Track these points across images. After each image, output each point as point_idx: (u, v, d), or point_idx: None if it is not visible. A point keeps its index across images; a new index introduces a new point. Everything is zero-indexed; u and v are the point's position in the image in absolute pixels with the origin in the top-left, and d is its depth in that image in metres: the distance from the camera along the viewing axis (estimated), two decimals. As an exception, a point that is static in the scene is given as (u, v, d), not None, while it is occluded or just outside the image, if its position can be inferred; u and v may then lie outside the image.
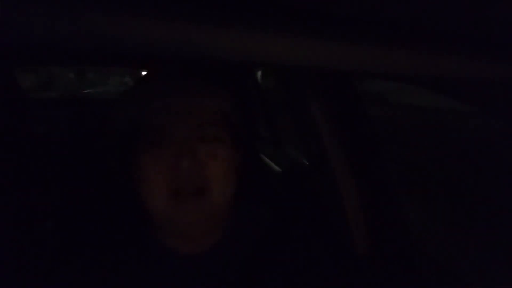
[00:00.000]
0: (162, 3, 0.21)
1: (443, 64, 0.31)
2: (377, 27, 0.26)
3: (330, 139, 0.78)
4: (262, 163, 1.15)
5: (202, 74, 0.54)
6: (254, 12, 0.24)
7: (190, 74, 0.52)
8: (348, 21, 0.25)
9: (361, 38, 0.27)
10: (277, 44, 0.25)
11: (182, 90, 0.49)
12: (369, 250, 0.77)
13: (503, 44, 0.30)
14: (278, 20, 0.24)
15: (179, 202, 0.46)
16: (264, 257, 0.55)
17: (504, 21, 0.26)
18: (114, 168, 0.56)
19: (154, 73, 0.56)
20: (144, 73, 0.57)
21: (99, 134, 0.55)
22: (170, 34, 0.23)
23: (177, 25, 0.22)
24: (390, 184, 0.81)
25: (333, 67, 0.30)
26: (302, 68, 0.73)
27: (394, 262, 0.75)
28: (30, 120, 1.49)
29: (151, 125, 0.48)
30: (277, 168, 1.11)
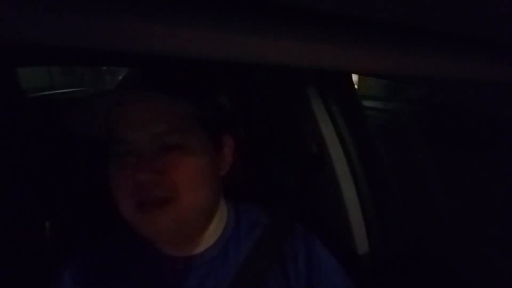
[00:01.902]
0: (161, 3, 0.21)
1: (443, 64, 0.31)
2: (377, 27, 0.26)
3: (330, 139, 0.78)
4: (260, 162, 1.15)
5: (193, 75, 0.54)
6: (254, 11, 0.23)
7: (154, 82, 0.51)
8: (348, 21, 0.25)
9: (361, 38, 0.27)
10: (277, 44, 0.25)
11: (141, 99, 0.47)
12: (369, 250, 0.77)
13: (504, 45, 0.30)
14: (278, 20, 0.24)
15: (144, 213, 0.46)
16: (263, 258, 0.55)
17: (504, 21, 0.26)
18: (97, 172, 0.57)
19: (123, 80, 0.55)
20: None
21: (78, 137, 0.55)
22: (170, 34, 0.23)
23: (177, 24, 0.22)
24: (390, 184, 0.81)
25: (333, 67, 0.30)
26: (302, 68, 0.73)
27: (394, 262, 0.76)
28: (30, 120, 1.49)
29: (113, 136, 0.48)
30: (276, 168, 1.10)
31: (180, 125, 0.48)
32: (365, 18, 0.25)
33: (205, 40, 0.24)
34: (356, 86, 0.87)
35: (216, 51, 0.25)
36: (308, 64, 0.29)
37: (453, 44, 0.29)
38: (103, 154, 0.49)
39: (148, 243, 0.53)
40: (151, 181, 0.45)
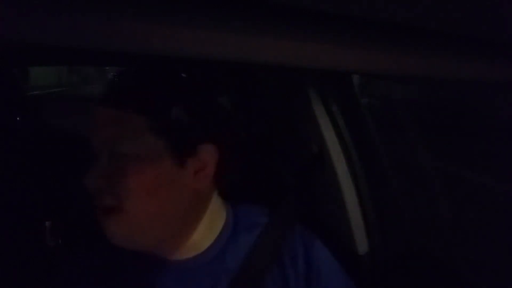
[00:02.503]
0: (161, 3, 0.21)
1: (443, 64, 0.31)
2: (377, 27, 0.26)
3: (330, 139, 0.78)
4: (260, 162, 1.15)
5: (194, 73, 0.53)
6: (254, 11, 0.23)
7: (114, 87, 0.51)
8: (348, 21, 0.25)
9: (361, 38, 0.27)
10: (277, 44, 0.25)
11: (106, 100, 0.48)
12: (369, 250, 0.77)
13: (504, 45, 0.30)
14: (278, 20, 0.24)
15: (99, 219, 0.47)
16: (262, 259, 0.55)
17: (504, 21, 0.26)
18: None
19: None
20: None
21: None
22: (169, 34, 0.22)
23: (177, 24, 0.22)
24: (390, 184, 0.81)
25: (333, 67, 0.30)
26: (302, 68, 0.73)
27: (394, 262, 0.75)
28: (30, 120, 1.49)
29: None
30: (276, 168, 1.10)
31: (130, 133, 0.47)
32: (365, 18, 0.25)
33: (205, 40, 0.24)
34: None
35: (216, 52, 0.25)
36: (308, 64, 0.29)
37: (453, 44, 0.29)
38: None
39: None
40: (98, 188, 0.46)
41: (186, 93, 0.51)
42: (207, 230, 0.55)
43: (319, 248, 0.58)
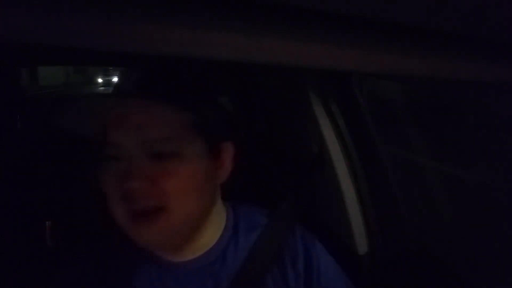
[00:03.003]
0: (161, 3, 0.21)
1: (443, 64, 0.31)
2: (377, 27, 0.26)
3: (330, 139, 0.78)
4: (260, 162, 1.15)
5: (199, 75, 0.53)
6: (254, 11, 0.23)
7: (150, 85, 0.49)
8: (348, 21, 0.25)
9: (361, 38, 0.27)
10: (276, 44, 0.25)
11: (136, 104, 0.45)
12: (369, 250, 0.77)
13: (504, 45, 0.30)
14: (278, 20, 0.24)
15: (135, 223, 0.45)
16: (261, 259, 0.55)
17: (504, 21, 0.26)
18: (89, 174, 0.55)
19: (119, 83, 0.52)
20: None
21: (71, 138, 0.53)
22: (169, 34, 0.22)
23: (177, 24, 0.22)
24: (390, 184, 0.81)
25: (333, 67, 0.30)
26: (302, 69, 0.73)
27: (394, 262, 0.75)
28: (30, 120, 1.49)
29: (104, 139, 0.46)
30: (276, 168, 1.10)
31: (174, 132, 0.46)
32: (365, 18, 0.25)
33: (205, 40, 0.24)
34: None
35: (216, 52, 0.25)
36: (308, 64, 0.29)
37: (453, 44, 0.29)
38: (99, 156, 0.48)
39: (142, 251, 0.53)
40: (141, 190, 0.43)
41: (213, 91, 0.52)
42: (211, 230, 0.55)
43: (319, 249, 0.58)
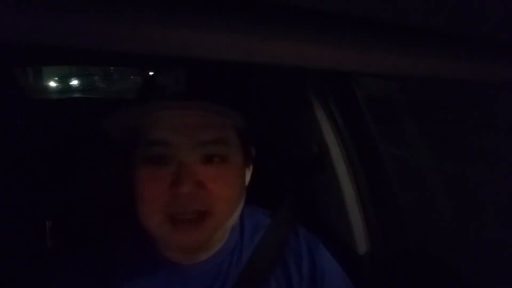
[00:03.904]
0: (162, 2, 0.21)
1: (443, 64, 0.31)
2: (377, 27, 0.26)
3: (330, 139, 0.78)
4: (260, 162, 1.15)
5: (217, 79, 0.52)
6: (254, 11, 0.23)
7: (202, 89, 0.47)
8: (349, 21, 0.25)
9: (361, 38, 0.27)
10: (276, 44, 0.25)
11: (189, 104, 0.44)
12: (369, 250, 0.76)
13: (504, 45, 0.30)
14: (278, 19, 0.24)
15: (176, 228, 0.43)
16: (264, 259, 0.55)
17: (504, 21, 0.26)
18: (113, 175, 0.54)
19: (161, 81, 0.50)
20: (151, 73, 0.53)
21: (99, 138, 0.52)
22: (170, 34, 0.22)
23: (177, 24, 0.22)
24: (391, 183, 0.81)
25: (333, 67, 0.30)
26: (303, 69, 0.73)
27: (394, 262, 0.75)
28: (30, 120, 1.49)
29: (149, 138, 0.44)
30: (276, 168, 1.10)
31: (225, 135, 0.46)
32: (365, 18, 0.25)
33: (205, 40, 0.24)
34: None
35: (216, 52, 0.25)
36: (308, 64, 0.29)
37: (453, 44, 0.29)
38: (103, 154, 0.47)
39: (151, 248, 0.52)
40: (191, 194, 0.42)
41: (252, 95, 0.52)
42: (221, 232, 0.55)
43: (323, 252, 0.58)
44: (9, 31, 0.20)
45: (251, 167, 0.55)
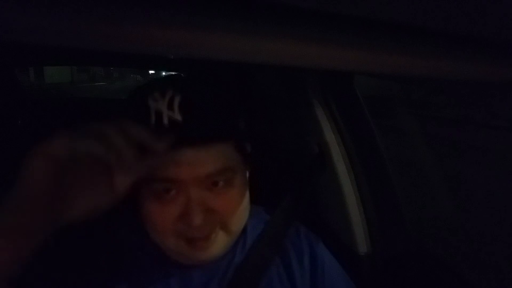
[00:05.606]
0: (161, 3, 0.21)
1: (443, 64, 0.31)
2: (377, 27, 0.26)
3: (331, 139, 0.78)
4: (260, 162, 1.15)
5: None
6: (254, 11, 0.23)
7: (204, 122, 0.45)
8: (348, 21, 0.25)
9: (361, 38, 0.27)
10: (277, 44, 0.25)
11: (190, 141, 0.43)
12: (369, 250, 0.76)
13: (504, 45, 0.30)
14: (278, 19, 0.24)
15: (192, 246, 0.46)
16: (262, 255, 0.55)
17: (504, 21, 0.26)
18: None
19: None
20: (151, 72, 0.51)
21: None
22: (170, 34, 0.23)
23: (177, 24, 0.22)
24: (391, 184, 0.81)
25: (333, 67, 0.30)
26: (302, 68, 0.73)
27: (394, 262, 0.75)
28: (31, 120, 1.49)
29: (159, 175, 0.43)
30: (276, 168, 1.10)
31: (230, 162, 0.47)
32: (365, 18, 0.25)
33: (205, 40, 0.24)
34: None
35: (216, 52, 0.25)
36: (308, 64, 0.29)
37: (453, 44, 0.29)
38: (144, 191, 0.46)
39: (152, 248, 0.52)
40: (203, 221, 0.43)
41: (239, 101, 0.53)
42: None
43: (323, 249, 0.59)
44: (9, 31, 0.20)
45: (250, 166, 0.55)
